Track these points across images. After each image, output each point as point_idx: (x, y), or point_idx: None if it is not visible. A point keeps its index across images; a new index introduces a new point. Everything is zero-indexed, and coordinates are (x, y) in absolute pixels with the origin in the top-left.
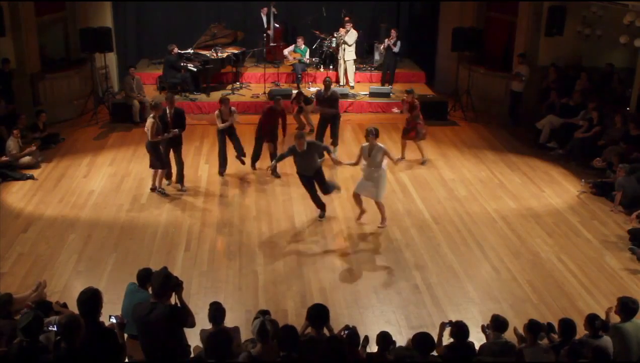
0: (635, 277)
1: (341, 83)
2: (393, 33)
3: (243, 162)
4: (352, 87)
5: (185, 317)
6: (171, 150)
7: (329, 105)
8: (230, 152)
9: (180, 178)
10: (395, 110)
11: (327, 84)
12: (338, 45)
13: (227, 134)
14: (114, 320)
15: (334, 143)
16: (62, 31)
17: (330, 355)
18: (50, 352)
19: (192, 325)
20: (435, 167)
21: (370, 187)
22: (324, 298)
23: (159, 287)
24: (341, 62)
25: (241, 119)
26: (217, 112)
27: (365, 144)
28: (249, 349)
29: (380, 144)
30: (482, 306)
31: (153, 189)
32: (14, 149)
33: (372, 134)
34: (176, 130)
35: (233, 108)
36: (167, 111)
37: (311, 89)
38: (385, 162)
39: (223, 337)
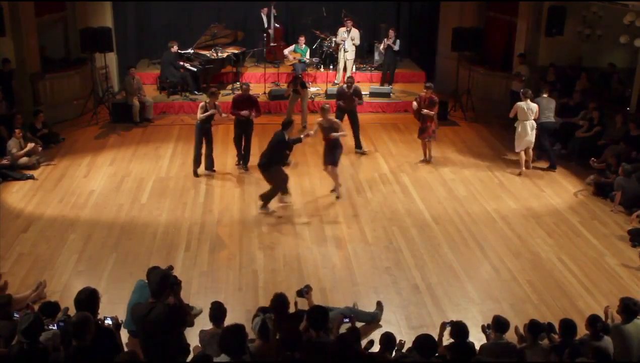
0: (635, 277)
1: (337, 81)
2: (391, 33)
3: (212, 170)
4: None
5: (184, 316)
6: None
7: (353, 99)
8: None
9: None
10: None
11: (350, 81)
12: (338, 44)
13: (204, 134)
14: (109, 322)
15: (357, 145)
16: (62, 31)
17: (339, 354)
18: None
19: (190, 324)
20: (435, 167)
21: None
22: (324, 298)
23: (156, 286)
24: (341, 63)
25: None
26: (202, 103)
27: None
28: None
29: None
30: (482, 306)
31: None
32: (14, 148)
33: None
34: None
35: (217, 104)
36: None
37: (311, 89)
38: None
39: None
